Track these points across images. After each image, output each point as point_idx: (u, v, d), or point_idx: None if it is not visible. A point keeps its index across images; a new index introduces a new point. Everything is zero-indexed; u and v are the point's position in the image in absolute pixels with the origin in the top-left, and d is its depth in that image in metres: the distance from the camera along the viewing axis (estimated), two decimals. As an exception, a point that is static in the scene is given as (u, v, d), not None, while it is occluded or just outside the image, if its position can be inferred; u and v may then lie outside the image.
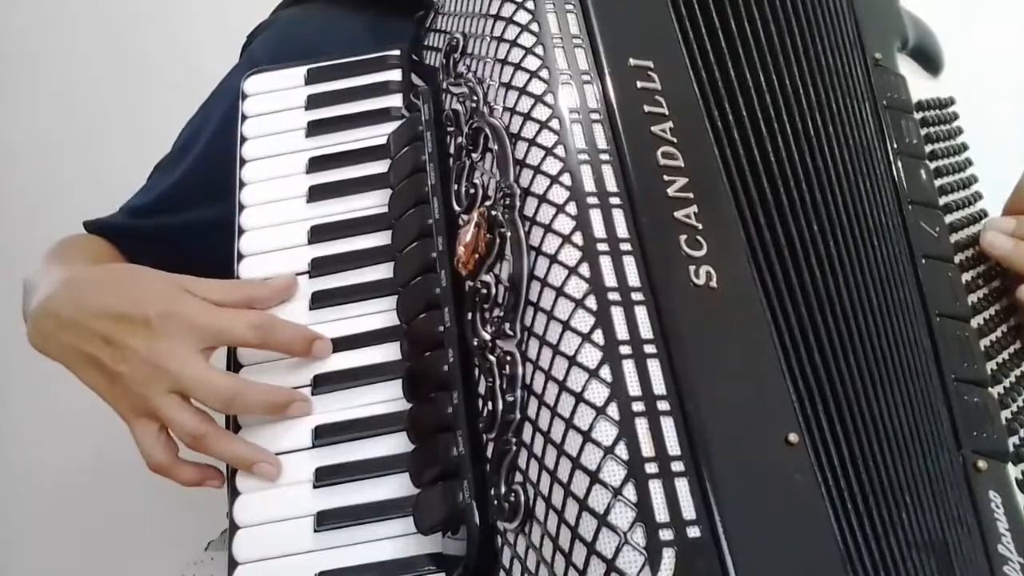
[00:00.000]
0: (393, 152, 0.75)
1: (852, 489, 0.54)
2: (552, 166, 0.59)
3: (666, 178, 0.60)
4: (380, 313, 0.71)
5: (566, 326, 0.55)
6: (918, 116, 0.75)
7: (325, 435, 0.67)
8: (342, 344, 0.70)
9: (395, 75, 0.80)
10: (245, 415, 0.67)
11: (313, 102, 0.80)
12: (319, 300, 0.72)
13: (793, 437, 0.53)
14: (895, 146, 0.71)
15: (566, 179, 0.59)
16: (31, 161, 1.28)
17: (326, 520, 0.64)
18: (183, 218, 0.88)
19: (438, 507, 0.60)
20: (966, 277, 0.69)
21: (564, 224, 0.57)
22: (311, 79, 0.82)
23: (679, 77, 0.64)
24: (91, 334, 0.67)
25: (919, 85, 0.76)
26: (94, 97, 1.31)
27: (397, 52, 0.81)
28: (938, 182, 0.73)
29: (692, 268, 0.57)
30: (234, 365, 0.70)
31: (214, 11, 1.27)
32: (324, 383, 0.69)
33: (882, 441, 0.57)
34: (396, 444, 0.66)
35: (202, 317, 0.66)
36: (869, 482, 0.55)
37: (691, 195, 0.59)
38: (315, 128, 0.79)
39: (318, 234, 0.75)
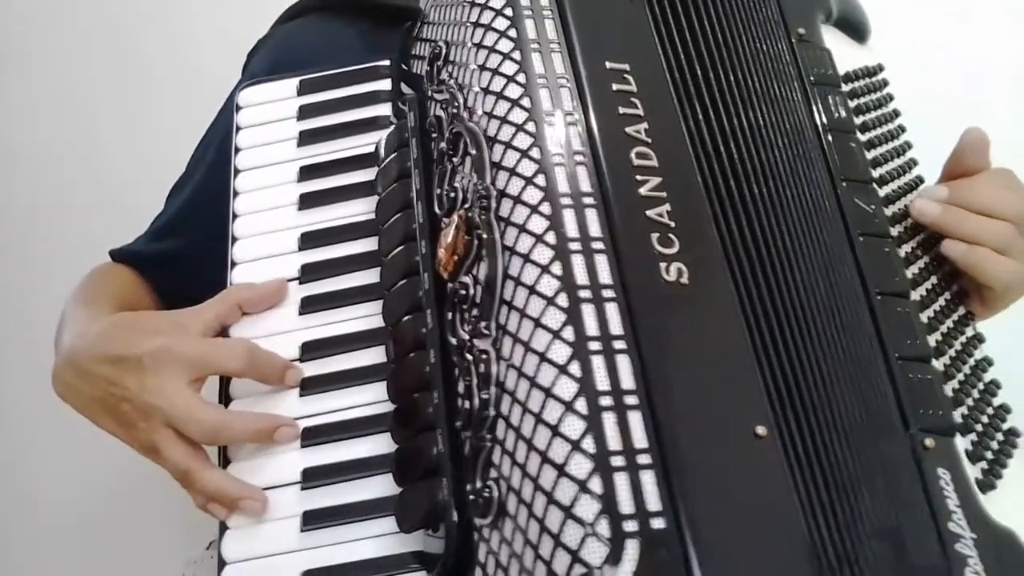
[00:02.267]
0: (380, 159, 0.76)
1: (817, 481, 0.55)
2: (527, 168, 0.60)
3: (639, 178, 0.61)
4: (368, 317, 0.72)
5: (537, 323, 0.55)
6: (847, 87, 0.75)
7: (310, 437, 0.68)
8: (330, 347, 0.71)
9: (384, 85, 0.82)
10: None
11: (305, 112, 0.82)
12: (308, 305, 0.73)
13: (761, 430, 0.54)
14: (824, 122, 0.71)
15: (540, 180, 0.60)
16: (31, 161, 1.30)
17: (312, 520, 0.65)
18: (194, 237, 0.90)
19: (418, 506, 0.61)
20: (905, 249, 0.69)
21: (537, 224, 0.58)
22: (303, 90, 0.83)
23: (655, 79, 0.65)
24: (97, 379, 0.69)
25: (848, 54, 0.76)
26: (94, 97, 1.32)
27: (387, 62, 0.83)
28: (871, 153, 0.73)
29: (663, 265, 0.57)
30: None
31: (214, 11, 1.28)
32: (313, 385, 0.70)
33: (837, 431, 0.57)
34: (382, 445, 0.67)
35: (189, 350, 0.68)
36: (831, 474, 0.55)
37: (664, 194, 0.60)
38: (306, 138, 0.81)
39: (308, 241, 0.76)
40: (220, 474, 0.67)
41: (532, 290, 0.56)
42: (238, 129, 0.83)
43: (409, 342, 0.66)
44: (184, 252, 0.90)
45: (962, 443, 0.61)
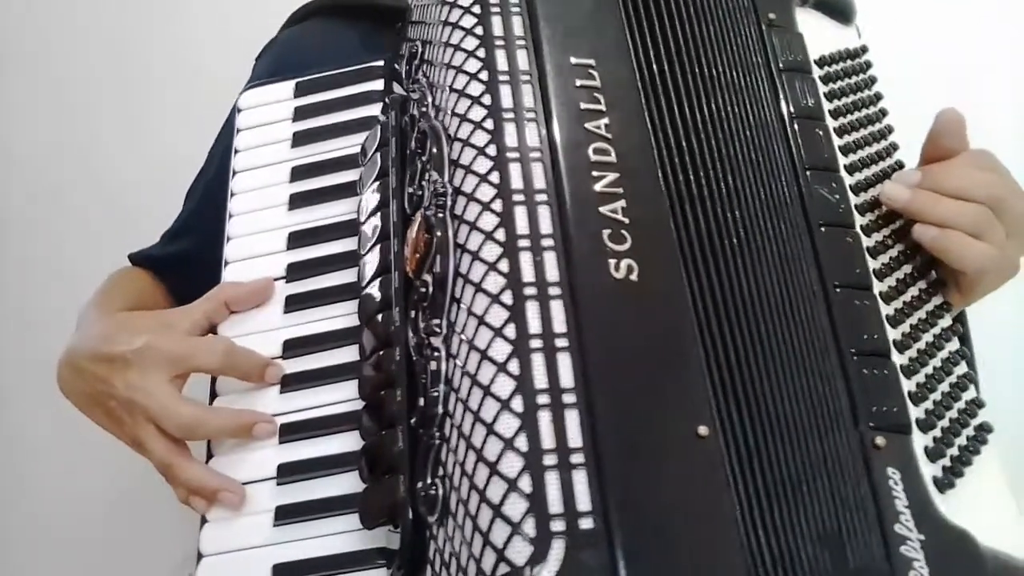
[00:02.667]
0: (363, 159, 0.77)
1: (757, 483, 0.53)
2: (482, 165, 0.60)
3: (596, 174, 0.60)
4: (350, 315, 0.73)
5: (481, 321, 0.55)
6: (822, 71, 0.72)
7: (288, 433, 0.69)
8: (311, 344, 0.73)
9: (377, 85, 0.83)
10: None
11: (300, 114, 0.83)
12: (292, 304, 0.75)
13: (703, 430, 0.52)
14: (791, 110, 0.69)
15: (494, 177, 0.60)
16: (31, 161, 1.32)
17: (284, 515, 0.66)
18: (204, 238, 0.92)
19: (379, 502, 0.62)
20: (875, 238, 0.66)
21: (488, 222, 0.58)
22: (299, 92, 0.85)
23: (621, 73, 0.65)
24: (89, 376, 0.72)
25: (828, 37, 0.74)
26: (94, 97, 1.33)
27: (380, 63, 0.83)
28: (844, 139, 0.70)
29: (613, 262, 0.57)
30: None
31: (214, 11, 1.30)
32: (293, 382, 0.71)
33: (782, 431, 0.55)
34: (357, 441, 0.68)
35: (171, 348, 0.70)
36: (772, 475, 0.54)
37: (620, 190, 0.60)
38: (300, 139, 0.82)
39: (295, 240, 0.77)
40: (200, 468, 0.69)
41: (479, 288, 0.56)
42: (238, 131, 0.85)
43: (379, 339, 0.67)
44: (195, 253, 0.93)
45: (922, 440, 0.58)
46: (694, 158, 0.62)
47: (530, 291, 0.55)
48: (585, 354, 0.53)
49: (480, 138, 0.61)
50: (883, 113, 0.72)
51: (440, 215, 0.61)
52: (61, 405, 0.76)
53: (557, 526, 0.49)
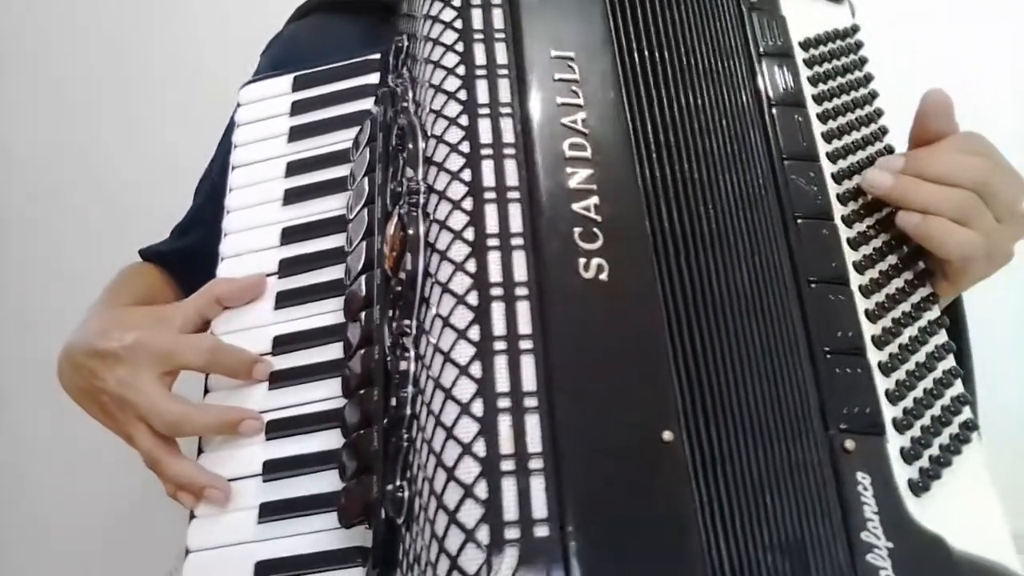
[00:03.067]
0: (354, 154, 0.76)
1: (720, 490, 0.51)
2: (455, 163, 0.59)
3: (569, 170, 0.59)
4: (340, 311, 0.73)
5: (446, 323, 0.55)
6: (806, 54, 0.69)
7: (275, 429, 0.69)
8: (301, 341, 0.72)
9: (374, 79, 0.82)
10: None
11: (297, 108, 0.83)
12: (283, 300, 0.75)
13: (668, 435, 0.51)
14: (770, 97, 0.66)
15: (466, 175, 0.59)
16: (31, 161, 1.33)
17: (268, 512, 0.67)
18: (210, 233, 0.93)
19: (355, 502, 0.61)
20: (857, 229, 0.63)
21: (458, 220, 0.57)
22: (297, 86, 0.84)
23: (601, 65, 0.63)
24: (84, 371, 0.73)
25: (817, 16, 0.71)
26: (94, 97, 1.34)
27: (377, 56, 0.83)
28: (828, 125, 0.67)
29: (583, 261, 0.55)
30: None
31: (214, 11, 1.30)
32: (281, 379, 0.71)
33: (748, 435, 0.54)
34: (342, 439, 0.68)
35: (159, 345, 0.70)
36: (737, 481, 0.52)
37: (594, 186, 0.58)
38: (296, 133, 0.82)
39: (288, 236, 0.77)
40: (188, 464, 0.69)
41: (445, 288, 0.56)
42: (236, 126, 0.85)
43: (361, 337, 0.67)
44: (202, 248, 0.93)
45: (899, 441, 0.56)
46: (670, 151, 0.61)
47: (496, 292, 0.54)
48: (549, 357, 0.52)
49: (454, 135, 0.60)
50: (872, 96, 0.69)
51: (413, 213, 0.60)
52: (61, 405, 0.77)
53: (511, 534, 0.48)
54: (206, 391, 0.74)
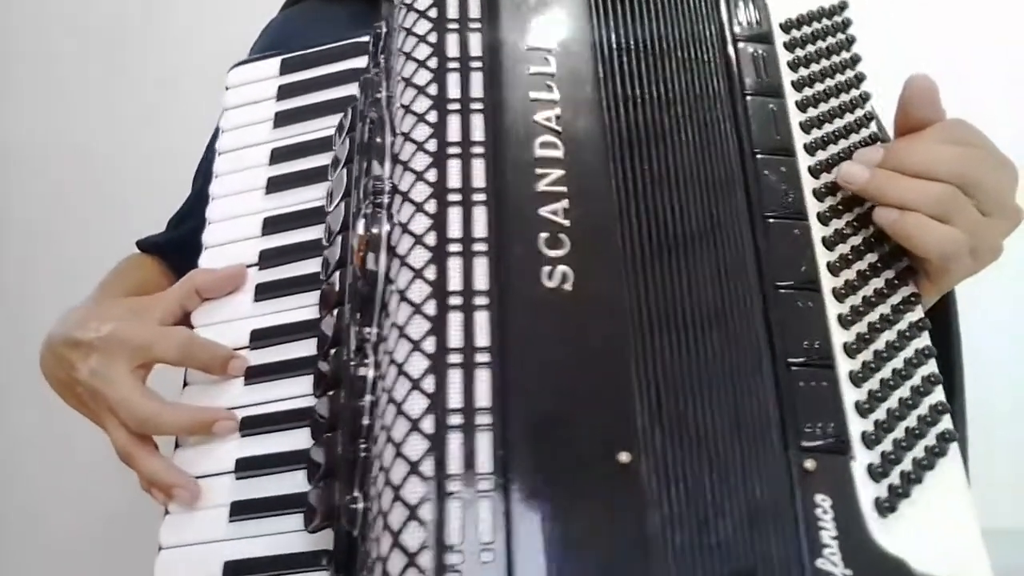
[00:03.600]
0: (336, 142, 0.74)
1: (675, 515, 0.49)
2: (420, 162, 0.57)
3: (539, 171, 0.56)
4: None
5: (402, 332, 0.53)
6: (787, 37, 0.65)
7: (250, 426, 0.68)
8: (278, 335, 0.71)
9: (362, 62, 0.79)
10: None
11: (283, 92, 0.81)
12: (262, 292, 0.73)
13: (624, 457, 0.49)
14: (743, 87, 0.63)
15: (431, 175, 0.56)
16: (30, 161, 1.33)
17: (238, 511, 0.66)
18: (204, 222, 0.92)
19: (319, 506, 0.60)
20: (834, 227, 0.60)
21: (420, 224, 0.55)
22: (284, 69, 0.82)
23: (578, 58, 0.60)
24: (62, 361, 0.72)
25: None
26: (93, 97, 1.33)
27: (366, 39, 0.80)
28: (808, 113, 0.63)
29: (546, 269, 0.53)
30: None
31: (214, 11, 1.28)
32: (258, 374, 0.70)
33: (704, 456, 0.51)
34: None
35: (133, 337, 0.69)
36: (691, 506, 0.49)
37: (564, 188, 0.56)
38: (282, 119, 0.80)
39: (270, 226, 0.75)
40: (159, 461, 0.68)
41: (403, 296, 0.54)
42: (224, 110, 0.83)
43: (332, 335, 0.65)
44: (197, 237, 0.92)
45: (867, 457, 0.53)
46: (640, 147, 0.57)
47: (455, 301, 0.52)
48: (506, 372, 0.50)
49: (421, 132, 0.58)
50: (859, 79, 0.65)
51: (378, 212, 0.58)
52: (60, 405, 0.76)
53: (453, 559, 0.46)
54: (185, 384, 0.73)
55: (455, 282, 0.53)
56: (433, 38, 0.61)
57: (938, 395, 0.56)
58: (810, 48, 0.66)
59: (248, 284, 0.74)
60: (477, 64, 0.60)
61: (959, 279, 0.63)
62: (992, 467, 1.02)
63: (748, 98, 0.61)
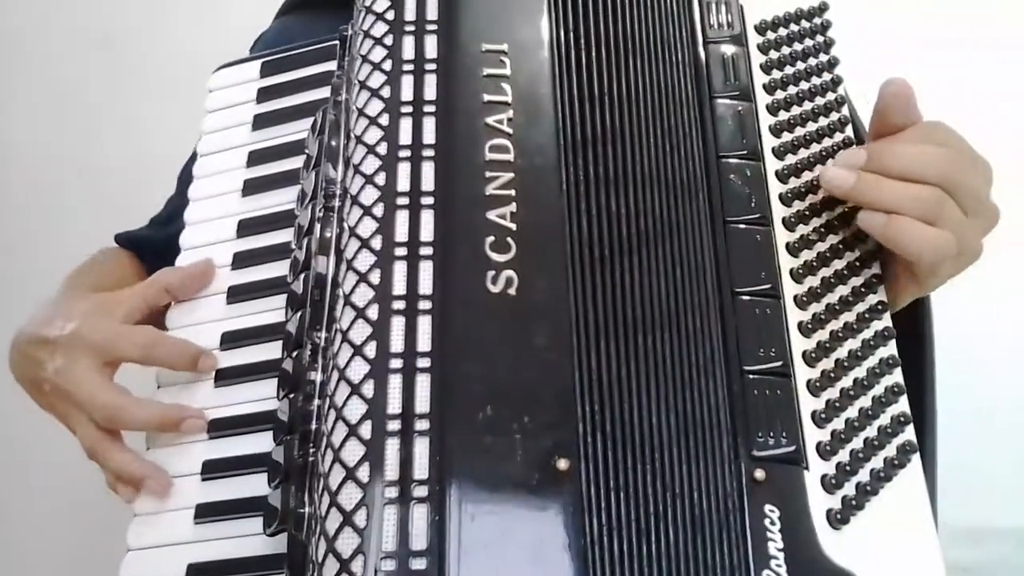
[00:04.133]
0: (309, 145, 0.74)
1: (612, 524, 0.48)
2: (370, 165, 0.57)
3: (488, 175, 0.56)
4: (288, 308, 0.71)
5: (345, 337, 0.53)
6: (761, 39, 0.64)
7: (218, 428, 0.69)
8: (248, 337, 0.71)
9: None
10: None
11: (263, 95, 0.81)
12: (235, 294, 0.73)
13: (563, 464, 0.48)
14: (713, 88, 0.61)
15: (380, 179, 0.56)
16: (30, 161, 1.33)
17: (203, 513, 0.66)
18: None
19: (276, 509, 0.60)
20: (800, 232, 0.59)
21: (366, 228, 0.55)
22: (265, 72, 0.83)
23: (534, 58, 0.59)
24: (28, 359, 0.73)
25: None
26: (93, 97, 1.34)
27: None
28: (779, 117, 0.62)
29: (491, 274, 0.53)
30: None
31: (214, 11, 1.28)
32: (227, 376, 0.70)
33: (648, 463, 0.50)
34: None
35: (97, 335, 0.70)
36: (633, 514, 0.49)
37: (512, 192, 0.55)
38: (260, 121, 0.80)
39: (245, 228, 0.76)
40: (128, 455, 0.69)
41: (348, 300, 0.53)
42: (206, 112, 0.83)
43: (294, 338, 0.65)
44: (178, 239, 0.92)
45: (821, 468, 0.52)
46: (596, 148, 0.57)
47: (398, 305, 0.52)
48: (446, 377, 0.50)
49: (373, 135, 0.58)
50: (835, 83, 0.64)
51: (330, 215, 0.58)
52: (31, 404, 0.77)
53: (387, 566, 0.46)
54: (159, 387, 0.73)
55: (399, 286, 0.53)
56: (389, 40, 0.61)
57: (901, 406, 0.55)
58: (785, 50, 0.65)
59: (221, 286, 0.74)
60: (431, 67, 0.59)
61: (943, 281, 0.62)
62: (994, 465, 1.00)
63: (715, 100, 0.60)
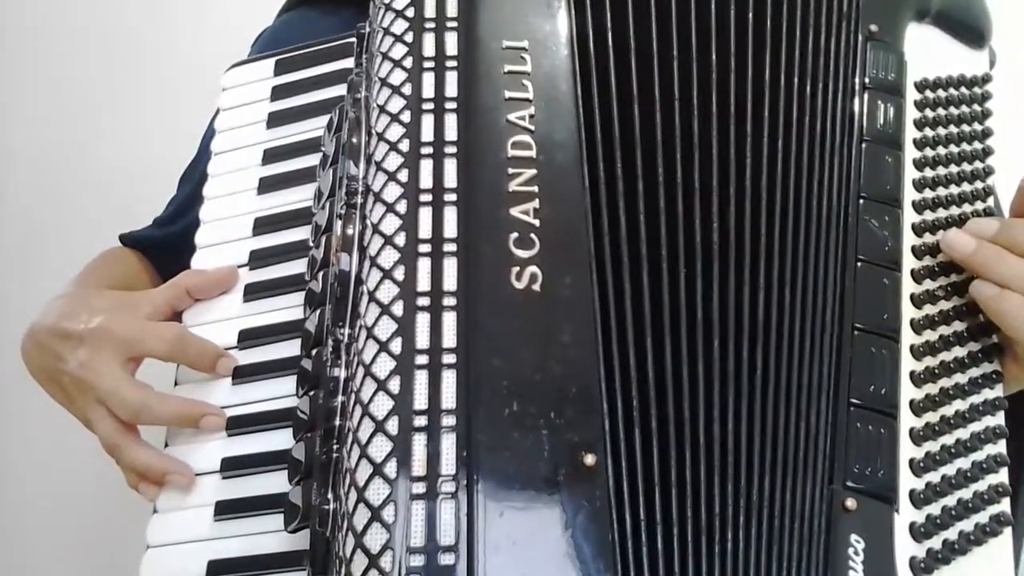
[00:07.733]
0: (324, 142, 0.74)
1: (662, 518, 0.48)
2: (392, 162, 0.57)
3: (511, 171, 0.56)
4: (306, 306, 0.71)
5: (370, 333, 0.53)
6: (919, 96, 0.64)
7: (237, 426, 0.69)
8: (266, 335, 0.71)
9: (352, 63, 0.80)
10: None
11: (277, 93, 0.81)
12: (252, 292, 0.74)
13: (590, 459, 0.48)
14: (863, 129, 0.62)
15: (403, 176, 0.56)
16: (30, 161, 1.33)
17: (223, 510, 0.66)
18: (196, 223, 0.92)
19: (297, 506, 0.60)
20: (926, 286, 0.59)
21: (390, 224, 0.55)
22: (279, 70, 0.83)
23: (554, 56, 0.59)
24: (47, 351, 0.73)
25: (945, 59, 0.66)
26: (94, 97, 1.33)
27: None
28: (924, 173, 0.63)
29: (515, 270, 0.53)
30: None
31: (214, 10, 1.28)
32: (245, 374, 0.71)
33: (714, 467, 0.50)
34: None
35: (123, 331, 0.70)
36: (691, 512, 0.49)
37: (535, 188, 0.55)
38: (275, 119, 0.80)
39: (261, 226, 0.76)
40: (148, 451, 0.69)
41: (372, 296, 0.53)
42: (219, 111, 0.84)
43: (315, 335, 0.65)
44: (185, 238, 0.92)
45: (912, 514, 0.52)
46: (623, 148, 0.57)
47: (423, 302, 0.52)
48: (471, 373, 0.50)
49: (395, 132, 0.58)
50: (986, 152, 0.65)
51: (352, 213, 0.58)
52: (53, 404, 0.77)
53: (416, 561, 0.46)
54: (176, 384, 0.73)
55: (423, 283, 0.53)
56: (409, 37, 0.61)
57: (1001, 476, 0.56)
58: (941, 112, 0.65)
59: (240, 285, 0.74)
60: (452, 63, 0.59)
61: None
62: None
63: (865, 144, 0.61)
